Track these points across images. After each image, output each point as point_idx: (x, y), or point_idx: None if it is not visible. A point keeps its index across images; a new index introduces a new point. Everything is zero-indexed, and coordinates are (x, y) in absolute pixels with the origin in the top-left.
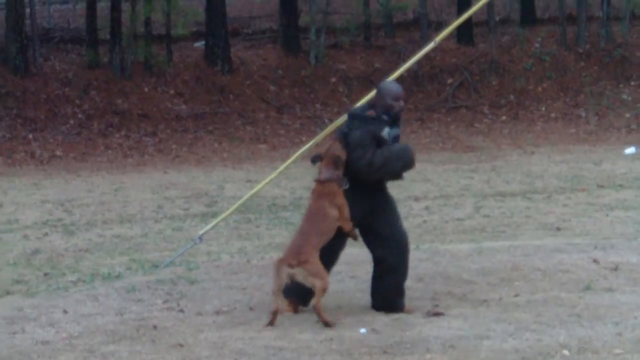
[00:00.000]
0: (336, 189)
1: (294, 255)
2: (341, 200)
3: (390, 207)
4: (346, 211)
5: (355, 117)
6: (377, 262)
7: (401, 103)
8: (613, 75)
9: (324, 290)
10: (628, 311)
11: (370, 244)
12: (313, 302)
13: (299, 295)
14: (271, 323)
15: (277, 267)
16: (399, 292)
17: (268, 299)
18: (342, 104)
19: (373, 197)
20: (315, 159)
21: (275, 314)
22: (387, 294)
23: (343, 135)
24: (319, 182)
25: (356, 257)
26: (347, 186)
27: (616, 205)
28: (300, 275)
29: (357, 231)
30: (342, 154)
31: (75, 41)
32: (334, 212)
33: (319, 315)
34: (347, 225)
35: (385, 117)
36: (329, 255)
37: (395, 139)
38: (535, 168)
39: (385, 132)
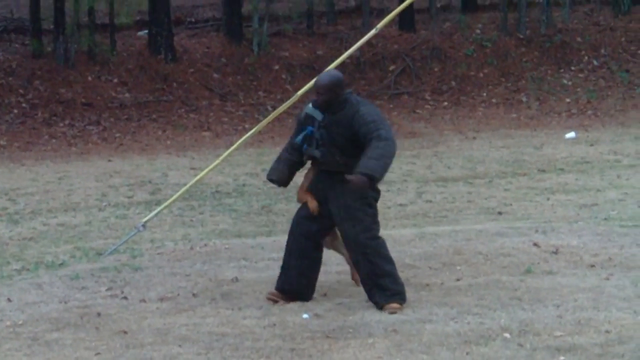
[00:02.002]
0: None
1: None
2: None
3: (339, 204)
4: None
5: None
6: None
7: (317, 97)
8: (554, 60)
9: None
10: (568, 294)
11: None
12: None
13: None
14: None
15: None
16: (375, 285)
17: (212, 285)
18: (285, 92)
19: (318, 186)
20: None
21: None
22: (363, 285)
23: None
24: None
25: None
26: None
27: (557, 189)
28: None
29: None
30: None
31: (19, 31)
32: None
33: None
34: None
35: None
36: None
37: (310, 119)
38: (476, 153)
39: (309, 106)
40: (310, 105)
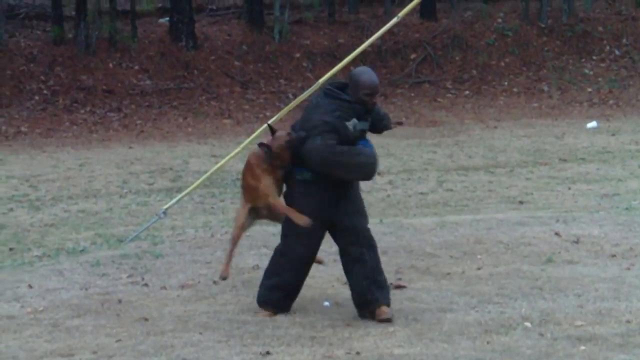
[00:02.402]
0: (254, 161)
1: None
2: (259, 172)
3: (349, 198)
4: (263, 184)
5: (329, 96)
6: (342, 254)
7: (374, 99)
8: (575, 50)
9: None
10: (589, 283)
11: (332, 235)
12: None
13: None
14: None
15: None
16: (374, 282)
17: (232, 272)
18: (306, 80)
19: (335, 190)
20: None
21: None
22: (359, 284)
23: (304, 115)
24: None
25: None
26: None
27: (578, 178)
28: None
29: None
30: (281, 150)
31: (40, 17)
32: (252, 182)
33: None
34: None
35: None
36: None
37: (362, 133)
38: (497, 142)
39: (352, 123)
40: (355, 120)
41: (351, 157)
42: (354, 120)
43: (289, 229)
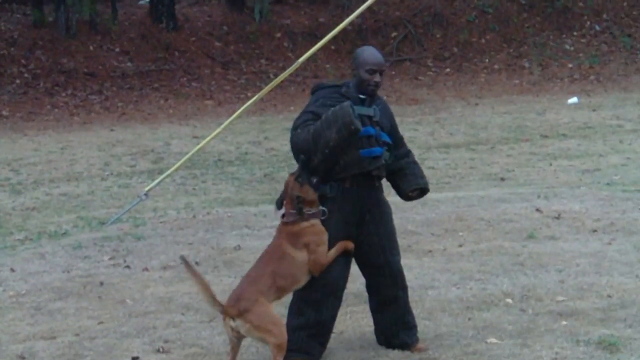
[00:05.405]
0: (299, 228)
1: (234, 303)
2: (311, 238)
3: (383, 230)
4: (320, 250)
5: (319, 88)
6: (371, 292)
7: (376, 78)
8: (556, 25)
9: (280, 346)
10: (571, 259)
11: (362, 270)
12: None
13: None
14: None
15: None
16: (403, 324)
17: (214, 253)
18: (287, 59)
19: (359, 206)
20: (278, 203)
21: None
22: (387, 327)
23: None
24: (282, 222)
25: None
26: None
27: (559, 154)
28: (242, 329)
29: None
30: (302, 191)
31: (20, 1)
32: (298, 255)
33: None
34: (317, 268)
35: (359, 96)
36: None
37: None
38: (479, 119)
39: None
40: (349, 103)
41: (324, 119)
42: (349, 103)
43: None
